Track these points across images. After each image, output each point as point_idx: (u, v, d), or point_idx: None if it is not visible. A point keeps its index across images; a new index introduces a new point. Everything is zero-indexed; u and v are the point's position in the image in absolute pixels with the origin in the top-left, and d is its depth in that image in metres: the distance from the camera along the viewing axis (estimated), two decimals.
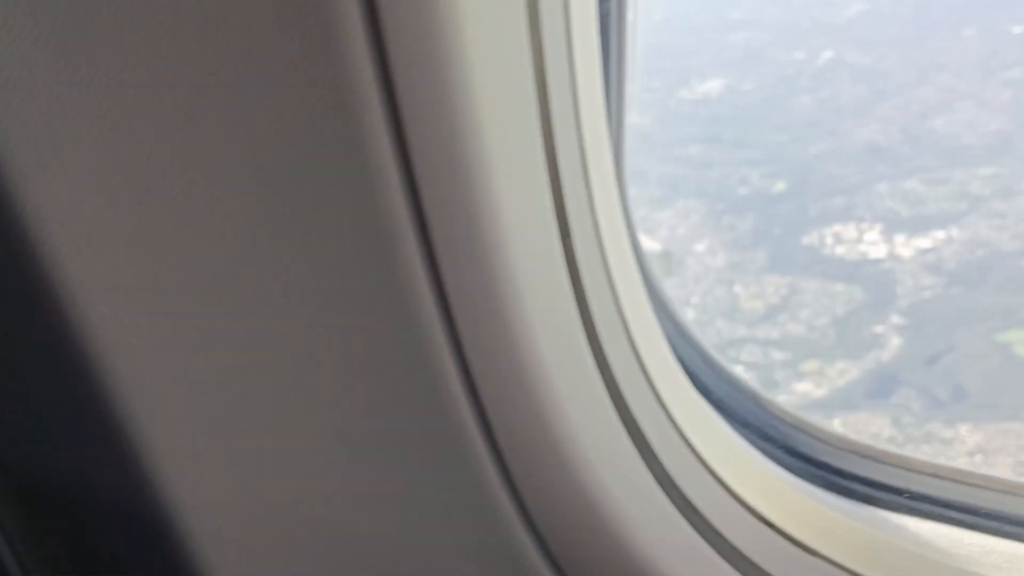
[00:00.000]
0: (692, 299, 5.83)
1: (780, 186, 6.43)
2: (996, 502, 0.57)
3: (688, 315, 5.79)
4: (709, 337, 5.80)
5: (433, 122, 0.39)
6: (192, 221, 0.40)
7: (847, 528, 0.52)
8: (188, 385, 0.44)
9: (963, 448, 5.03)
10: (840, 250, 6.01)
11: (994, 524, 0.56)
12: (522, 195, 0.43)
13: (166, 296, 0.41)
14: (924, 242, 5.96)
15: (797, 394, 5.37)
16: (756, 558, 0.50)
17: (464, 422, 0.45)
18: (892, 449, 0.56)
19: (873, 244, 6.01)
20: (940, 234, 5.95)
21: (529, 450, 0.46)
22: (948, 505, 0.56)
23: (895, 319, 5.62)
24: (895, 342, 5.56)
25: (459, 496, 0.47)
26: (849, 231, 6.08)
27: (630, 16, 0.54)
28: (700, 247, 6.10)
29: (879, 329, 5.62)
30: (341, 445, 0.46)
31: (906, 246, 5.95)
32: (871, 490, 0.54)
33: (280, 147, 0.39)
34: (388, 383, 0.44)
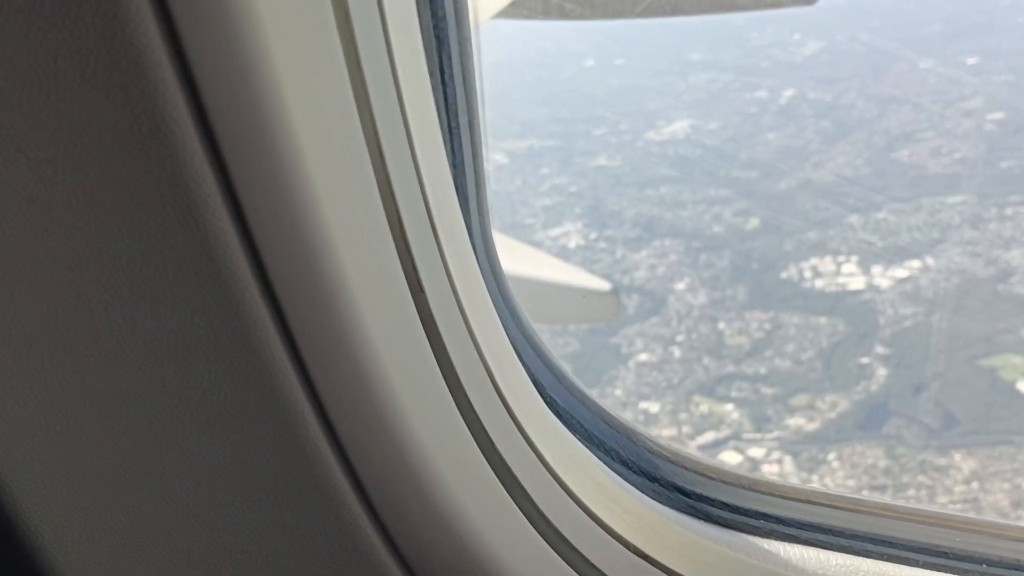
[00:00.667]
0: (677, 337, 5.86)
1: (754, 222, 6.51)
2: (860, 523, 0.60)
3: (674, 353, 5.81)
4: (697, 375, 5.79)
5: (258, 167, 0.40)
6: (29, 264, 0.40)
7: (697, 545, 0.55)
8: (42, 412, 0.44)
9: (959, 476, 5.02)
10: (819, 283, 6.07)
11: (859, 544, 0.59)
12: (367, 252, 0.46)
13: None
14: (901, 272, 6.02)
15: (790, 429, 5.37)
16: (603, 567, 0.53)
17: (323, 458, 0.48)
18: (752, 474, 0.59)
19: (851, 276, 6.08)
20: (916, 263, 6.02)
21: (388, 478, 0.49)
22: (813, 528, 0.59)
23: (880, 349, 5.66)
24: (881, 372, 5.59)
25: (314, 518, 0.50)
26: (826, 264, 6.15)
27: (473, 55, 0.58)
28: (680, 285, 6.15)
29: (865, 360, 5.64)
30: (195, 479, 0.48)
31: (884, 276, 6.01)
32: (727, 513, 0.58)
33: (113, 202, 0.39)
34: (246, 434, 0.47)
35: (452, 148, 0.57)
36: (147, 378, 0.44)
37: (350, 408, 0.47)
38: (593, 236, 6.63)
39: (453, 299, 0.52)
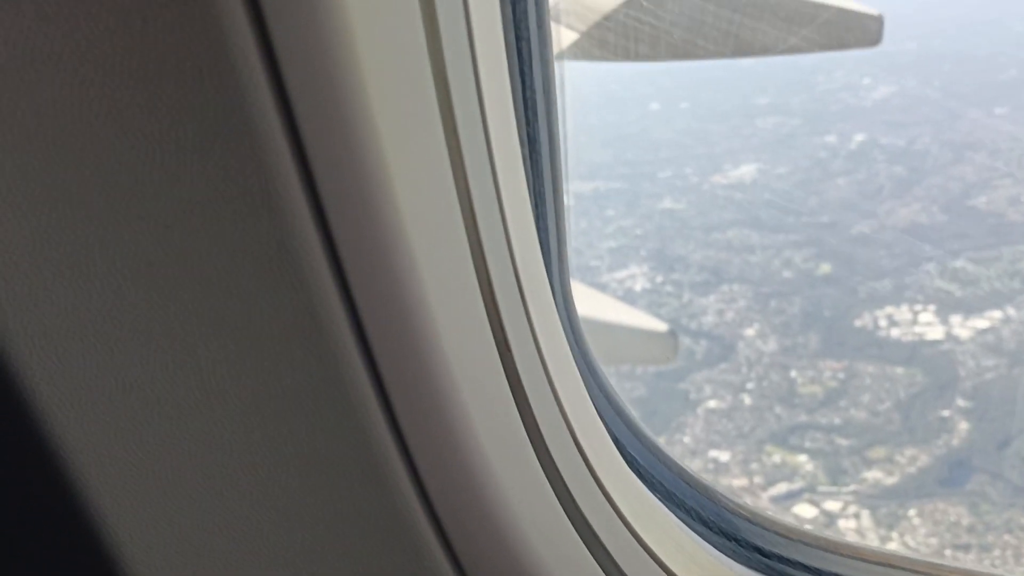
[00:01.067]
0: (747, 385, 5.74)
1: (825, 268, 6.37)
2: None
3: (745, 401, 5.68)
4: (768, 423, 5.65)
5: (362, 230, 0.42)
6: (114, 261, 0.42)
7: None
8: (115, 398, 0.45)
9: None
10: (895, 332, 5.88)
11: None
12: (459, 314, 0.49)
13: (95, 306, 0.42)
14: (981, 322, 5.80)
15: (868, 482, 5.18)
16: None
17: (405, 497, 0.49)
18: (831, 535, 0.58)
19: (929, 325, 5.88)
20: (997, 314, 5.79)
21: (472, 531, 0.50)
22: None
23: (961, 402, 5.44)
24: (963, 426, 5.36)
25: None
26: (902, 312, 5.96)
27: (559, 124, 0.60)
28: (750, 331, 6.04)
29: (945, 413, 5.43)
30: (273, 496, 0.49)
31: (963, 327, 5.80)
32: (806, 574, 0.57)
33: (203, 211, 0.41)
34: (340, 485, 0.49)
35: (536, 208, 0.59)
36: (248, 429, 0.47)
37: (438, 461, 0.49)
38: (659, 279, 6.59)
39: (537, 358, 0.54)
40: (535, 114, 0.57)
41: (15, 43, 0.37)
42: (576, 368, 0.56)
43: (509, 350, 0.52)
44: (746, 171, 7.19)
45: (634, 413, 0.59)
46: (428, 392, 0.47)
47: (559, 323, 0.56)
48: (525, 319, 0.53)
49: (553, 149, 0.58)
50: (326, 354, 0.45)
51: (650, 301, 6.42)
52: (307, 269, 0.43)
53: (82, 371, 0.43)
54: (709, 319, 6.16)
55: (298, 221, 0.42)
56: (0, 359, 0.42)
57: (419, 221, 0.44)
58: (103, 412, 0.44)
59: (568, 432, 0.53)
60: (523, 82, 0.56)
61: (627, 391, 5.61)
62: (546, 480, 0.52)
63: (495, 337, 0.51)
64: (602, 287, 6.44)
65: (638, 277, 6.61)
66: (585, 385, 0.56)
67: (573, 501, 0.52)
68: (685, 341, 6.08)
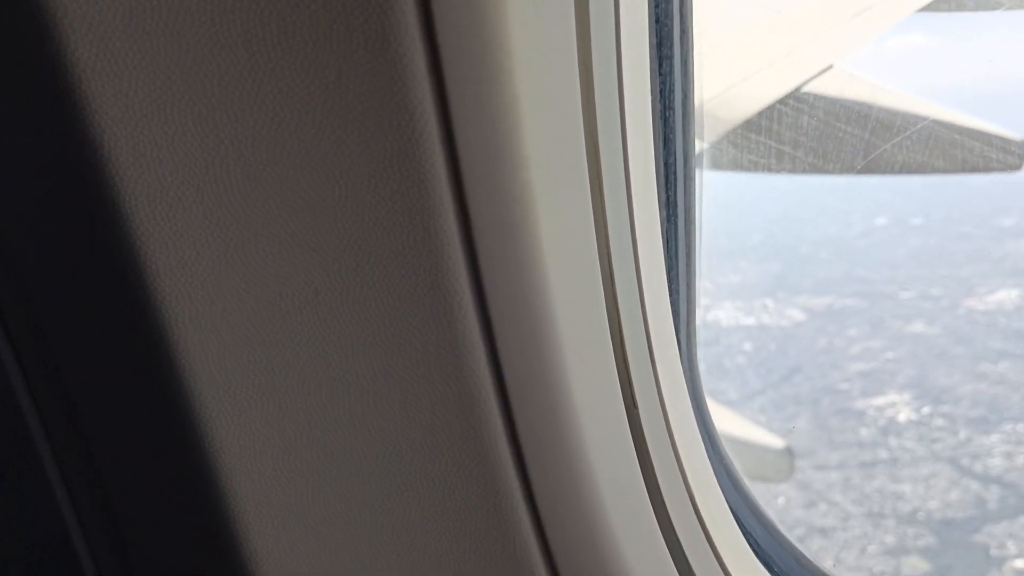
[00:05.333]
0: None
1: None
2: None
3: None
4: None
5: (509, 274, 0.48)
6: (275, 238, 0.47)
7: None
8: (253, 371, 0.50)
9: None
10: None
11: None
12: (592, 366, 0.54)
13: (240, 283, 0.48)
14: None
15: None
16: None
17: None
18: None
19: None
20: None
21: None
22: None
23: None
24: None
25: None
26: None
27: (695, 201, 0.67)
28: None
29: None
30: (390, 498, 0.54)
31: None
32: None
33: (348, 187, 0.46)
34: (465, 528, 0.54)
35: (670, 281, 0.66)
36: (389, 458, 0.53)
37: (561, 511, 0.55)
38: (926, 411, 6.09)
39: (662, 417, 0.60)
40: (674, 189, 0.66)
41: (226, 85, 0.44)
42: (699, 432, 0.61)
43: (636, 407, 0.58)
44: (1006, 296, 6.60)
45: (749, 486, 0.62)
46: (556, 435, 0.53)
47: (684, 387, 0.62)
48: (653, 380, 0.60)
49: (688, 217, 0.66)
50: (464, 390, 0.51)
51: (919, 435, 5.93)
52: (456, 312, 0.49)
53: (243, 377, 0.50)
54: (996, 462, 5.57)
55: (452, 268, 0.48)
56: (175, 367, 0.48)
57: (564, 285, 0.52)
58: (253, 411, 0.50)
59: (686, 491, 0.57)
60: (666, 160, 0.65)
61: (910, 537, 5.14)
62: (662, 538, 0.57)
63: (624, 393, 0.58)
64: (858, 414, 6.05)
65: (900, 406, 6.15)
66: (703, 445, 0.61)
67: (685, 559, 0.56)
68: (972, 485, 5.51)
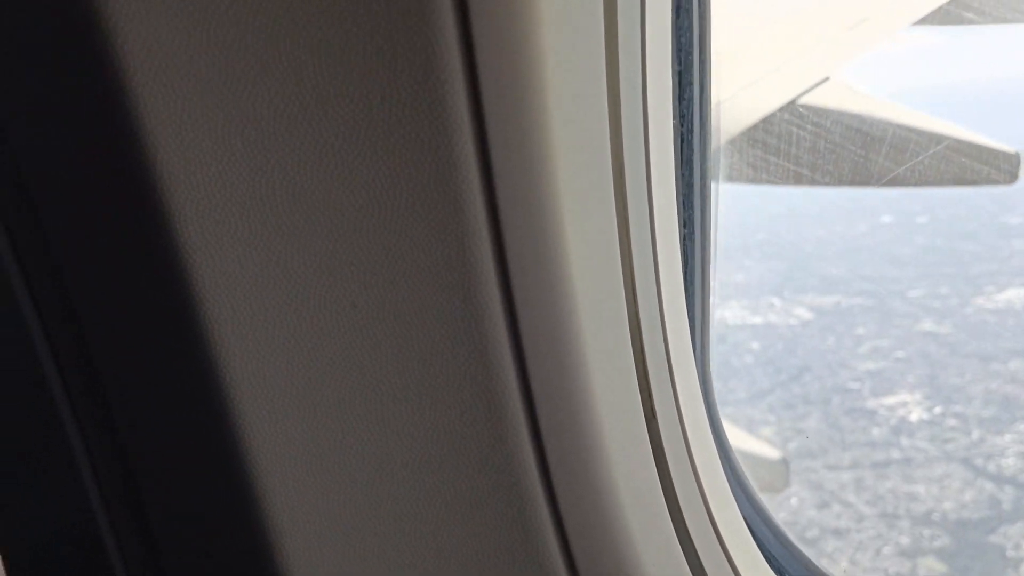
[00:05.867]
0: None
1: None
2: None
3: None
4: None
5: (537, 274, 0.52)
6: (316, 254, 0.50)
7: None
8: (291, 381, 0.52)
9: None
10: None
11: None
12: (613, 378, 0.57)
13: (281, 296, 0.50)
14: None
15: None
16: None
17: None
18: None
19: None
20: None
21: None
22: None
23: None
24: None
25: None
26: None
27: (711, 213, 0.71)
28: None
29: None
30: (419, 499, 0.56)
31: None
32: None
33: (377, 177, 0.48)
34: (489, 532, 0.57)
35: (687, 292, 0.70)
36: (419, 466, 0.55)
37: (583, 518, 0.58)
38: (938, 411, 6.11)
39: (679, 428, 0.63)
40: (691, 207, 0.69)
41: (275, 110, 0.47)
42: (714, 444, 0.65)
43: (655, 418, 0.62)
44: (1015, 295, 6.63)
45: (761, 497, 0.66)
46: (580, 443, 0.57)
47: (700, 399, 0.65)
48: (671, 392, 0.64)
49: (704, 233, 0.70)
50: (492, 406, 0.54)
51: (931, 434, 5.95)
52: (491, 348, 0.53)
53: (272, 367, 0.52)
54: (1010, 462, 5.59)
55: (487, 295, 0.52)
56: (211, 359, 0.50)
57: (588, 297, 0.56)
58: (290, 419, 0.53)
59: (702, 501, 0.61)
60: (683, 182, 0.69)
61: (927, 539, 5.16)
62: (679, 544, 0.61)
63: (644, 405, 0.62)
64: (870, 413, 6.07)
65: (911, 406, 6.17)
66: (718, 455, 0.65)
67: (700, 565, 0.60)
68: (987, 486, 5.53)
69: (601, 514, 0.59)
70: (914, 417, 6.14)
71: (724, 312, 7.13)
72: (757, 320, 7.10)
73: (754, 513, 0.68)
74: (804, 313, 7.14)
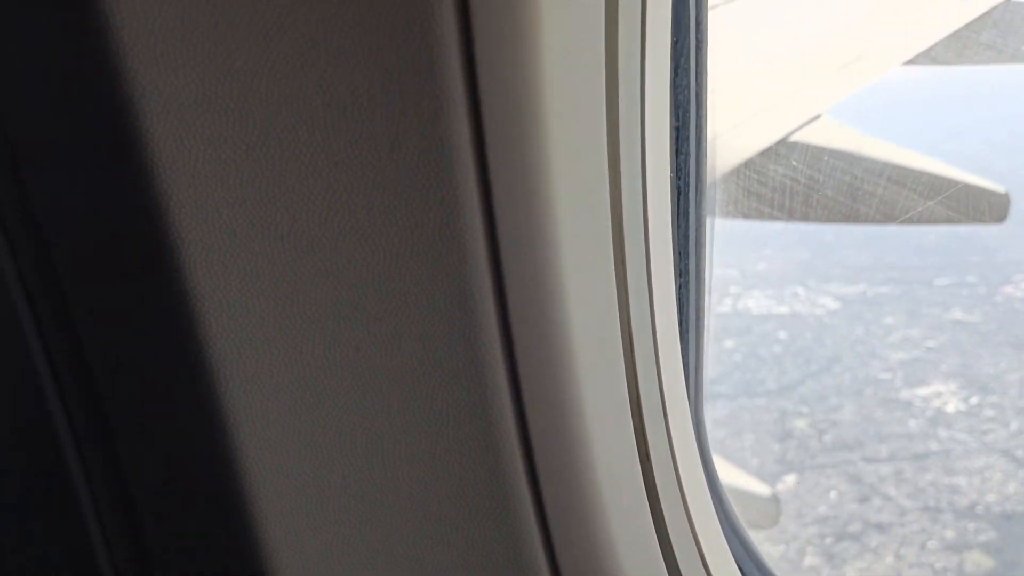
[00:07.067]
0: None
1: None
2: None
3: None
4: None
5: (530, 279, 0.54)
6: (322, 298, 0.52)
7: None
8: (284, 385, 0.54)
9: None
10: None
11: None
12: (609, 421, 0.61)
13: (293, 358, 0.53)
14: None
15: None
16: None
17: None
18: None
19: None
20: None
21: None
22: None
23: None
24: None
25: None
26: None
27: (706, 257, 0.75)
28: None
29: None
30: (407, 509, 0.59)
31: None
32: None
33: (371, 173, 0.50)
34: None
35: (682, 336, 0.75)
36: (418, 506, 0.58)
37: (579, 558, 0.62)
38: (974, 401, 6.11)
39: (672, 471, 0.68)
40: (686, 253, 0.74)
41: (286, 158, 0.49)
42: (707, 486, 0.69)
43: (649, 461, 0.67)
44: None
45: (751, 536, 0.71)
46: (577, 485, 0.61)
47: (694, 443, 0.70)
48: (665, 436, 0.68)
49: (699, 288, 0.74)
50: (490, 450, 0.58)
51: (969, 425, 5.95)
52: (489, 392, 0.56)
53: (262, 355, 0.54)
54: None
55: (485, 321, 0.55)
56: (202, 352, 0.52)
57: (586, 345, 0.59)
58: (292, 458, 0.55)
59: (695, 544, 0.66)
60: (678, 227, 0.73)
61: (970, 532, 5.17)
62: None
63: (639, 449, 0.67)
64: (905, 404, 6.07)
65: (947, 396, 6.17)
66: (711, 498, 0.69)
67: None
68: None
69: (596, 553, 0.64)
70: (950, 408, 6.13)
71: (748, 302, 7.13)
72: (783, 310, 7.09)
73: (745, 554, 0.72)
74: (830, 302, 7.12)
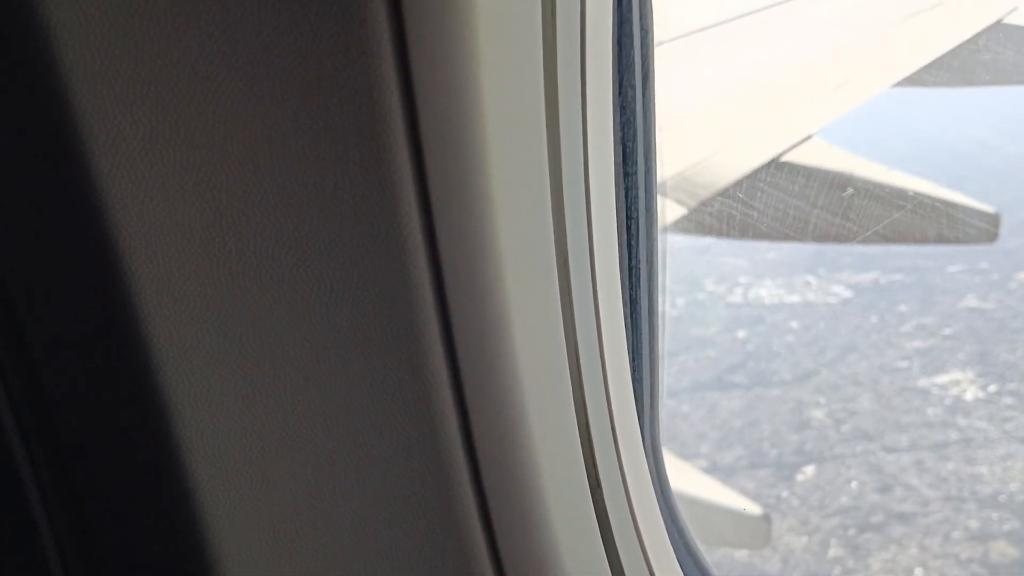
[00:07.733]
0: None
1: None
2: None
3: None
4: None
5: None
6: (271, 328, 0.54)
7: None
8: (247, 456, 0.56)
9: None
10: None
11: None
12: (558, 450, 0.63)
13: (243, 388, 0.54)
14: None
15: None
16: None
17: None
18: None
19: None
20: None
21: None
22: None
23: None
24: None
25: None
26: None
27: (658, 279, 0.77)
28: None
29: None
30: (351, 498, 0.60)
31: None
32: None
33: (312, 168, 0.52)
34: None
35: (632, 361, 0.77)
36: (368, 530, 0.60)
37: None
38: (993, 389, 6.10)
39: (624, 497, 0.70)
40: (638, 280, 0.76)
41: (232, 194, 0.51)
42: (660, 513, 0.71)
43: (600, 487, 0.69)
44: None
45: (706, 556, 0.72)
46: (525, 519, 0.63)
47: (646, 469, 0.72)
48: (616, 462, 0.70)
49: (652, 315, 0.76)
50: (439, 476, 0.60)
51: (988, 413, 5.94)
52: (437, 418, 0.58)
53: (212, 371, 0.55)
54: None
55: (436, 387, 0.58)
56: (144, 359, 0.53)
57: (534, 373, 0.61)
58: (243, 486, 0.57)
59: (647, 569, 0.68)
60: (630, 255, 0.75)
61: (994, 521, 5.17)
62: None
63: (588, 475, 0.69)
64: (923, 392, 6.08)
65: (965, 384, 6.16)
66: (667, 532, 0.71)
67: None
68: None
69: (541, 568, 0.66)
70: (969, 396, 6.12)
71: (759, 291, 7.13)
72: (794, 299, 7.10)
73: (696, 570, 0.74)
74: (842, 291, 7.12)
